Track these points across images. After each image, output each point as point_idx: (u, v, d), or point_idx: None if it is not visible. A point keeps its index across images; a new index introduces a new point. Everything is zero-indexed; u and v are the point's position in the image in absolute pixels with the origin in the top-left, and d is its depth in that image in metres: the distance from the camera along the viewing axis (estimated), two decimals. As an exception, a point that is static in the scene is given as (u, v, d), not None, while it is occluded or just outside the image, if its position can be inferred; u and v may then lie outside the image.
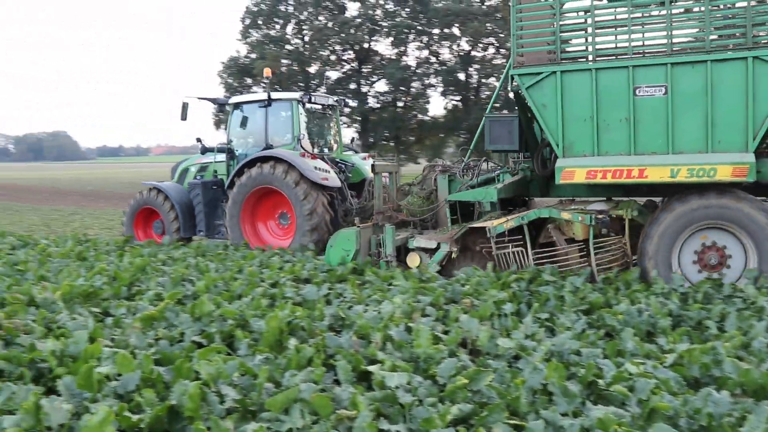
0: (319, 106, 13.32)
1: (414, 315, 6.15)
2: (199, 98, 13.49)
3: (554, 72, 8.27)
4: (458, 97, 53.41)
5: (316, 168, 11.39)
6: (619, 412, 3.86)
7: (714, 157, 7.58)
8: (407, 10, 51.26)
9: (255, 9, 51.99)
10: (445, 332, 5.66)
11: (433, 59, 53.62)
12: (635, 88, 7.92)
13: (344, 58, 50.85)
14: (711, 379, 4.55)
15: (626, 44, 8.13)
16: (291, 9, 53.93)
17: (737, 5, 7.83)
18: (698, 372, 4.61)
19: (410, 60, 54.30)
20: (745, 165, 7.37)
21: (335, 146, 13.79)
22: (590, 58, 8.29)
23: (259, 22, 51.90)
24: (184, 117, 13.00)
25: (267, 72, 13.76)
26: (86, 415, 3.57)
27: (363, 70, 50.17)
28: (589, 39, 8.33)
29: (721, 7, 7.95)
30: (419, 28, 52.07)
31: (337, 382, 4.40)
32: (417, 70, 53.54)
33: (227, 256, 10.19)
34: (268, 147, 12.35)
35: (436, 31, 51.91)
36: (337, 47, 49.99)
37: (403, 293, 7.07)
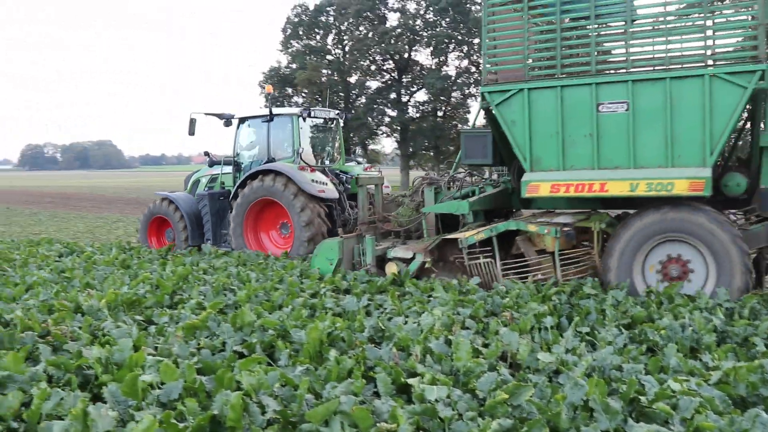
0: (321, 120, 13.91)
1: (454, 327, 6.15)
2: (206, 114, 14.07)
3: (522, 89, 8.51)
4: (498, 107, 53.18)
5: (313, 180, 11.97)
6: (662, 431, 3.80)
7: (672, 171, 7.77)
8: (447, 19, 51.28)
9: (296, 20, 52.49)
10: (485, 345, 5.64)
11: (473, 69, 53.53)
12: (598, 105, 8.11)
13: (384, 68, 51.07)
14: (758, 399, 4.45)
15: (589, 61, 8.36)
16: (331, 19, 54.35)
17: (695, 23, 7.99)
18: (745, 391, 4.51)
19: (450, 70, 54.24)
20: (701, 179, 7.51)
21: (338, 157, 14.33)
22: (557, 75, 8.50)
23: (300, 32, 52.35)
24: (192, 132, 13.79)
25: (269, 89, 14.76)
26: (131, 423, 3.66)
27: (403, 79, 50.33)
28: (557, 57, 8.49)
29: (681, 25, 8.12)
30: (459, 37, 52.04)
31: (377, 395, 4.41)
32: (457, 80, 53.50)
33: (268, 265, 10.29)
34: (271, 160, 12.94)
35: (476, 40, 51.83)
36: (377, 57, 50.27)
37: (443, 305, 7.06)
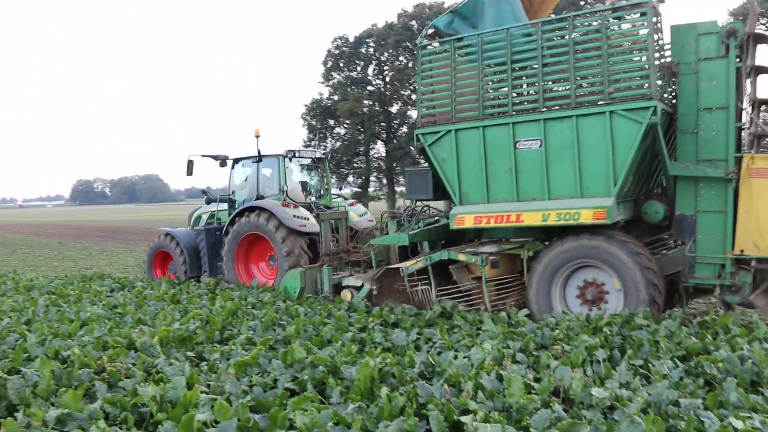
0: (308, 160, 15.22)
1: (504, 361, 6.09)
2: (202, 156, 15.27)
3: (450, 131, 9.37)
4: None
5: (294, 216, 12.97)
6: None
7: (580, 202, 8.50)
8: None
9: (336, 52, 53.14)
10: (537, 380, 5.57)
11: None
12: (516, 142, 8.91)
13: (425, 97, 51.19)
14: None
15: (506, 103, 9.12)
16: (371, 50, 54.93)
17: (596, 65, 8.57)
18: (811, 428, 4.37)
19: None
20: (604, 209, 8.23)
21: (325, 193, 15.42)
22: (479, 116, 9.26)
23: (341, 64, 52.95)
24: (189, 172, 15.04)
25: (256, 132, 15.07)
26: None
27: (444, 108, 50.36)
28: (479, 100, 9.25)
29: (586, 67, 8.68)
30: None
31: (430, 432, 4.38)
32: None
33: (315, 299, 10.35)
34: (260, 197, 14.06)
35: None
36: (418, 86, 50.37)
37: (493, 338, 7.02)
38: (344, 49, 53.68)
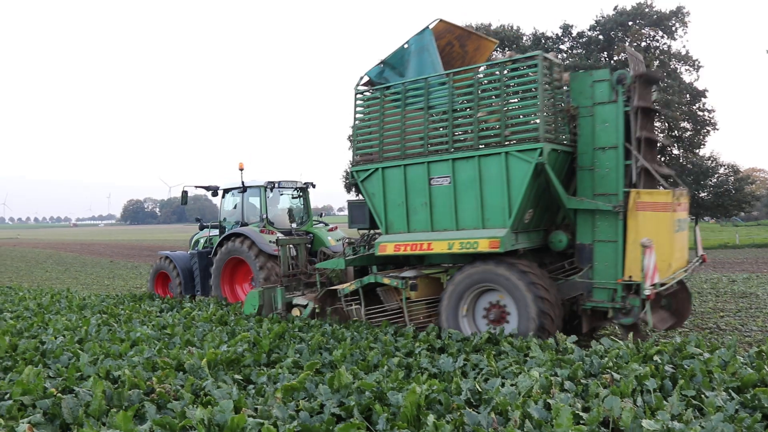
0: (290, 190, 16.54)
1: (552, 390, 6.00)
2: (195, 186, 16.97)
3: (378, 168, 10.45)
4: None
5: (270, 242, 14.14)
6: None
7: (479, 232, 9.45)
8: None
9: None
10: (586, 409, 5.48)
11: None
12: (430, 179, 9.93)
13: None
14: None
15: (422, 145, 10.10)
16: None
17: (495, 110, 9.47)
18: None
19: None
20: (498, 239, 9.13)
21: (306, 220, 16.55)
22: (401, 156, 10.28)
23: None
24: (184, 202, 16.94)
25: (240, 165, 16.30)
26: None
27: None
28: (401, 141, 10.30)
29: (485, 113, 9.63)
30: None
31: (477, 463, 4.34)
32: (546, 129, 52.96)
33: (362, 323, 10.37)
34: (244, 224, 15.54)
35: (564, 88, 51.29)
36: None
37: (540, 365, 6.92)
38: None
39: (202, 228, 17.64)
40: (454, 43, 11.25)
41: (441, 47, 10.76)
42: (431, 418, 4.90)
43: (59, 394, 5.79)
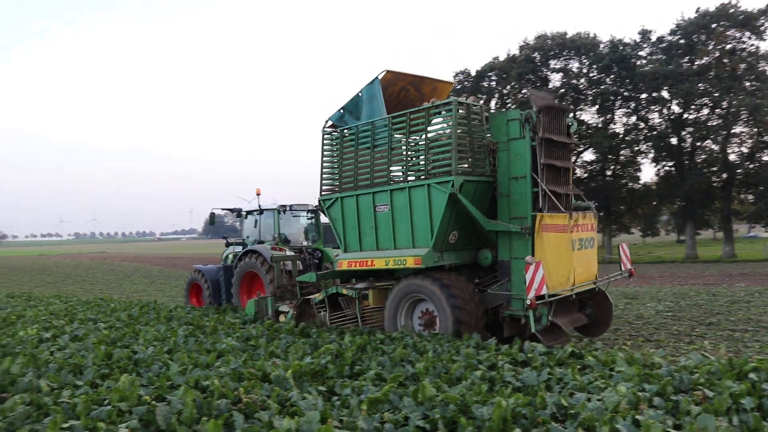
0: (303, 212, 18.78)
1: (640, 406, 5.82)
2: (222, 209, 20.21)
3: (338, 198, 12.27)
4: (671, 163, 50.90)
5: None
6: None
7: (408, 251, 11.12)
8: (612, 76, 50.19)
9: (458, 86, 53.30)
10: (677, 427, 5.26)
11: (642, 125, 51.72)
12: (375, 206, 11.66)
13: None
14: None
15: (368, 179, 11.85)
16: (494, 84, 54.77)
17: (420, 149, 11.29)
18: None
19: (618, 127, 52.71)
20: (420, 257, 10.75)
21: (318, 239, 18.85)
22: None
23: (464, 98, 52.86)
24: (212, 222, 20.14)
25: (257, 191, 18.96)
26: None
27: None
28: (354, 175, 12.07)
29: (413, 151, 11.56)
30: (626, 93, 50.64)
31: (567, 479, 4.25)
32: (625, 137, 51.79)
33: (443, 336, 10.34)
34: (260, 242, 17.88)
35: (643, 95, 50.18)
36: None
37: (627, 380, 6.73)
38: (466, 83, 53.87)
39: (228, 245, 19.87)
40: (408, 88, 12.77)
41: (395, 93, 12.53)
42: (518, 433, 4.84)
43: (153, 402, 6.02)
